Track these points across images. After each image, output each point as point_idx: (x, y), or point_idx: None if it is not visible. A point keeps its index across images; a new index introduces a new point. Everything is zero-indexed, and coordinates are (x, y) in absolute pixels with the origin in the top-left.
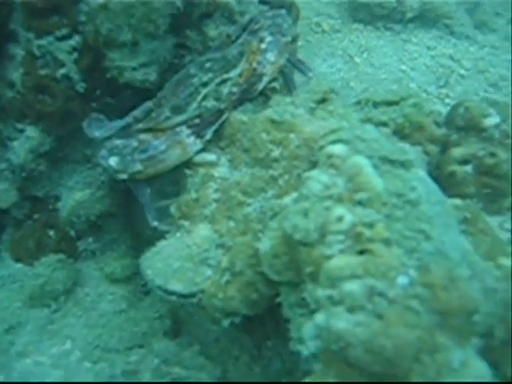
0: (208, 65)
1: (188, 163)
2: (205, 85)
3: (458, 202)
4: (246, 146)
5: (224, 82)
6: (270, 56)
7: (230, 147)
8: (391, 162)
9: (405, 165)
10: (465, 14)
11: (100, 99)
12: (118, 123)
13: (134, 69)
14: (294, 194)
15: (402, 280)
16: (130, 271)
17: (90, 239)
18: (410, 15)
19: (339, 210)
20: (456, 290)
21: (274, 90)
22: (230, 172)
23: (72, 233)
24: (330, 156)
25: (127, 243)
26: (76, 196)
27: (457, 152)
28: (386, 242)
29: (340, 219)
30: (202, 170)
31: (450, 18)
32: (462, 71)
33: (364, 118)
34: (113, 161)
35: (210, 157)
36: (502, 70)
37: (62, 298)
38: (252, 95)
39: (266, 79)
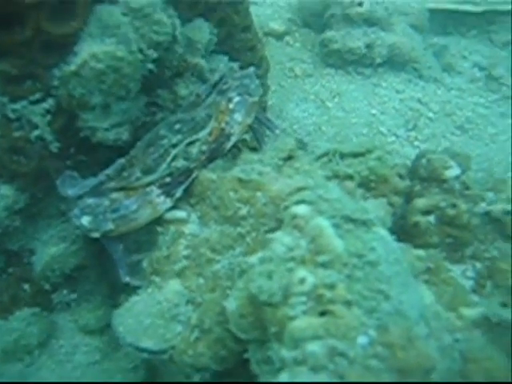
0: (177, 126)
1: (159, 220)
2: (174, 146)
3: (420, 252)
4: (215, 203)
5: (193, 142)
6: (238, 116)
7: (200, 204)
8: (353, 220)
9: (366, 223)
10: (432, 58)
11: (74, 157)
12: (91, 181)
13: (106, 129)
14: (260, 253)
15: (361, 340)
16: (105, 322)
17: (65, 291)
18: (379, 61)
19: (301, 272)
20: (414, 348)
21: (244, 141)
22: (199, 229)
23: (47, 286)
24: (293, 217)
25: (103, 293)
26: (50, 251)
27: (420, 203)
28: (347, 303)
29: (302, 281)
30: (172, 228)
31: (417, 61)
32: (430, 114)
33: (330, 174)
34: (85, 220)
35: (180, 214)
36: (467, 112)
37: (36, 351)
38: (221, 154)
39: (233, 139)
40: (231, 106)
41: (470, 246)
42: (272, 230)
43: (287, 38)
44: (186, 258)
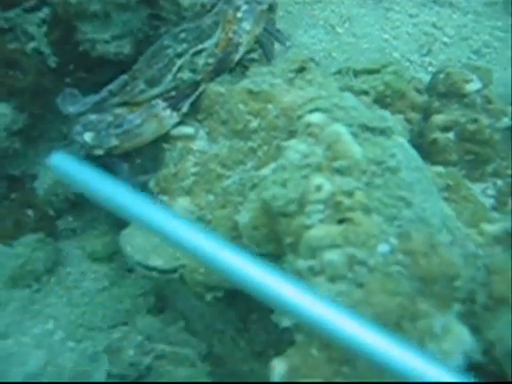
0: (182, 35)
1: (165, 137)
2: (179, 56)
3: (440, 169)
4: (223, 117)
5: (199, 52)
6: (246, 25)
7: (207, 120)
8: (371, 129)
9: (384, 132)
10: None
11: (73, 74)
12: (93, 98)
13: (106, 41)
14: (273, 165)
15: (382, 248)
16: (112, 249)
17: (70, 218)
18: None
19: (318, 179)
20: (437, 256)
21: (252, 60)
22: (208, 145)
23: (51, 212)
24: (308, 125)
25: (109, 221)
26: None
27: (438, 119)
28: (366, 210)
29: (319, 188)
30: (179, 144)
31: None
32: (445, 39)
33: (344, 87)
34: (88, 136)
35: (187, 130)
36: (484, 36)
37: (43, 277)
38: (229, 66)
39: (242, 49)
40: (239, 14)
41: (491, 162)
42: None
43: None
44: (195, 174)
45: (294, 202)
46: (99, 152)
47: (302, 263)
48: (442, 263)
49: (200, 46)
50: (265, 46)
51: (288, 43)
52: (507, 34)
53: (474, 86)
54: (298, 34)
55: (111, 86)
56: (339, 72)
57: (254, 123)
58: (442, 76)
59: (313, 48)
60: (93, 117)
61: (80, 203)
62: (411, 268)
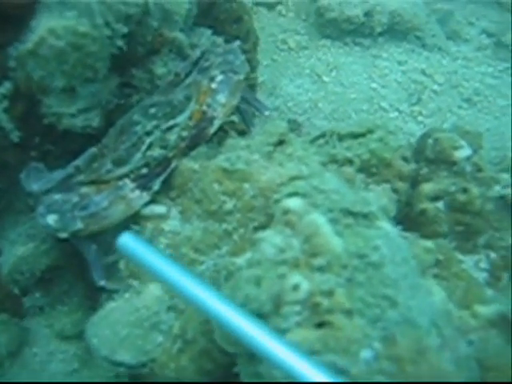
0: (152, 111)
1: (135, 217)
2: (148, 134)
3: (429, 244)
4: (197, 196)
5: (170, 128)
6: (221, 97)
7: (180, 198)
8: (353, 214)
9: (367, 217)
10: (436, 25)
11: (39, 147)
12: (58, 174)
13: (72, 115)
14: (249, 253)
15: (365, 354)
16: (83, 326)
17: (37, 294)
18: (379, 30)
19: (295, 278)
20: (425, 362)
21: (232, 123)
22: (181, 225)
23: (16, 290)
24: (285, 212)
25: (80, 293)
26: (18, 251)
27: (427, 188)
28: (347, 312)
29: (296, 287)
30: (150, 225)
31: (420, 30)
32: (435, 86)
33: (327, 158)
34: (51, 219)
35: (159, 209)
36: (475, 83)
37: (6, 362)
38: (203, 140)
39: (217, 122)
40: (214, 85)
41: (483, 234)
42: (262, 226)
43: (279, 8)
44: None
45: (269, 302)
46: (63, 235)
47: (279, 372)
48: (431, 370)
49: (171, 122)
50: (244, 113)
51: (267, 112)
52: (498, 80)
53: (463, 152)
54: (284, 83)
55: (78, 162)
56: (323, 136)
57: (230, 204)
58: (430, 141)
59: (299, 99)
60: (57, 197)
61: (48, 278)
62: (397, 376)
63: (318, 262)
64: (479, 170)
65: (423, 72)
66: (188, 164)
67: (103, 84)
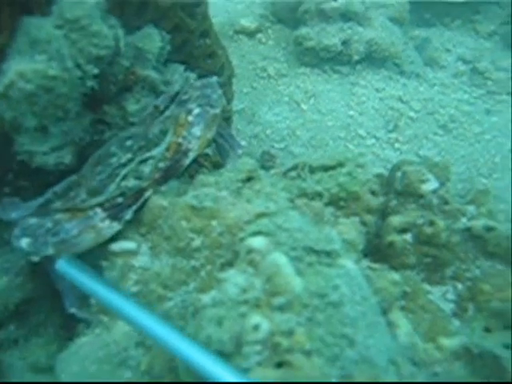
0: (128, 143)
1: (105, 253)
2: (124, 165)
3: (395, 276)
4: (166, 233)
5: (145, 160)
6: (197, 130)
7: (150, 234)
8: (316, 252)
9: (330, 255)
10: (414, 52)
11: (13, 183)
12: (37, 201)
13: (45, 153)
14: (214, 292)
15: None
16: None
17: (12, 327)
18: (356, 58)
19: (255, 318)
20: None
21: (206, 156)
22: (151, 261)
23: None
24: (249, 251)
25: (56, 324)
26: None
27: (395, 220)
28: (306, 352)
29: (256, 328)
30: (120, 261)
31: (398, 57)
32: (412, 113)
33: (296, 192)
34: (24, 242)
35: (129, 245)
36: (451, 110)
37: None
38: (177, 171)
39: (192, 155)
40: (190, 118)
41: (450, 265)
42: (228, 263)
43: (259, 36)
44: (136, 295)
45: (231, 342)
46: (35, 259)
47: None
48: None
49: (146, 155)
50: (219, 146)
51: (240, 151)
52: (473, 107)
53: (430, 185)
54: (263, 111)
55: (56, 188)
56: (295, 168)
57: (197, 241)
58: (399, 174)
59: (277, 126)
60: (33, 221)
61: (23, 310)
62: None
63: (279, 301)
64: (446, 202)
65: (400, 99)
66: (157, 201)
67: (75, 122)
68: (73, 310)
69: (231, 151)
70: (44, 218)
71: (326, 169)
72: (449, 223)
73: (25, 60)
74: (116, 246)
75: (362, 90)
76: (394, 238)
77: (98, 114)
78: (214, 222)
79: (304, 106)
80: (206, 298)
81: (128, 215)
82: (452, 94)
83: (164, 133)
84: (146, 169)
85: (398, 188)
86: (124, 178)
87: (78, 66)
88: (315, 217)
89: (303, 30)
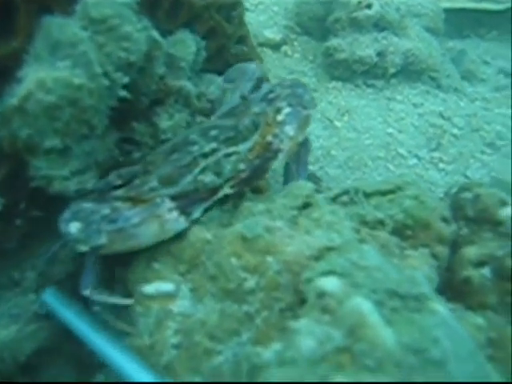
0: (213, 133)
1: (138, 297)
2: (205, 156)
3: (479, 321)
4: (211, 272)
5: (229, 155)
6: (290, 129)
7: (191, 273)
8: (400, 296)
9: (418, 299)
10: (450, 64)
11: (25, 214)
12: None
13: (65, 178)
14: (278, 344)
15: None
16: None
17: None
18: (392, 71)
19: (339, 381)
20: None
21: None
22: (193, 306)
23: None
24: (321, 295)
25: (71, 379)
26: None
27: (470, 252)
28: None
29: None
30: (155, 306)
31: (435, 70)
32: (455, 130)
33: (356, 220)
34: (74, 227)
35: (166, 287)
36: (497, 126)
37: None
38: (264, 174)
39: (281, 157)
40: (280, 117)
41: None
42: (290, 308)
43: (285, 48)
44: (176, 347)
45: None
46: (83, 248)
47: None
48: None
49: (232, 149)
50: (289, 171)
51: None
52: None
53: (509, 210)
54: None
55: (122, 171)
56: (346, 192)
57: (251, 282)
58: (468, 196)
59: None
60: (87, 205)
61: (35, 364)
62: None
63: (367, 359)
64: None
65: (441, 115)
66: (200, 233)
67: (100, 141)
68: (86, 292)
69: (295, 179)
70: (100, 204)
71: (383, 194)
72: None
73: (45, 67)
74: (150, 288)
75: (400, 106)
76: (470, 272)
77: (126, 131)
78: (269, 258)
79: (338, 124)
80: (267, 354)
81: (197, 213)
82: (495, 108)
83: (256, 126)
84: (228, 166)
85: (469, 214)
86: (203, 170)
87: (106, 74)
88: (382, 249)
89: (334, 41)
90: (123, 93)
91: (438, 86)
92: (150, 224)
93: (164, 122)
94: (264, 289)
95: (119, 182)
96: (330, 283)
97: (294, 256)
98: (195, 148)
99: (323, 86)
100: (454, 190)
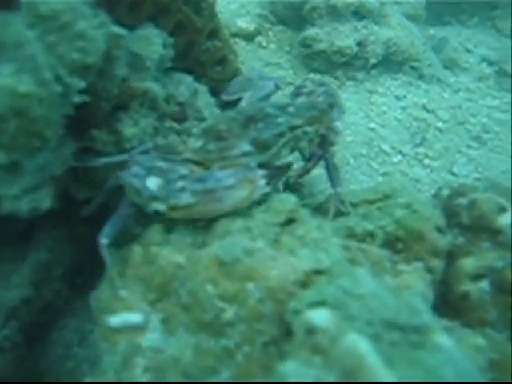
0: (291, 109)
1: (102, 331)
2: (292, 129)
3: (480, 341)
4: (185, 301)
5: (306, 134)
6: (339, 125)
7: (162, 302)
8: (400, 328)
9: (420, 331)
10: (432, 53)
11: None
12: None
13: (15, 197)
14: None
15: None
16: None
17: None
18: (373, 61)
19: None
20: None
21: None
22: (164, 339)
23: None
24: (310, 331)
25: None
26: None
27: (468, 264)
28: None
29: None
30: (123, 341)
31: (417, 59)
32: (440, 124)
33: (343, 231)
34: (153, 183)
35: (134, 318)
36: (482, 118)
37: None
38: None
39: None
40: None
41: None
42: (274, 342)
43: (259, 39)
44: None
45: None
46: (160, 207)
47: None
48: None
49: (310, 128)
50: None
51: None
52: (506, 114)
53: (508, 217)
54: None
55: (159, 141)
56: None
57: (229, 312)
58: (462, 201)
59: None
60: (160, 163)
61: None
62: None
63: None
64: None
65: (425, 107)
66: (170, 256)
67: (55, 153)
68: (104, 241)
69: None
70: (173, 164)
71: (371, 202)
72: None
73: None
74: (116, 320)
75: (382, 99)
76: (468, 287)
77: (85, 140)
78: (250, 285)
79: None
80: None
81: (278, 183)
82: (480, 100)
83: (331, 106)
84: (302, 144)
85: (464, 221)
86: (284, 145)
87: (59, 78)
88: (374, 267)
89: (311, 31)
90: (80, 99)
91: (421, 77)
92: (243, 188)
93: (128, 129)
94: (244, 320)
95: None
96: (320, 316)
97: (277, 282)
98: (281, 120)
99: (301, 79)
100: (445, 191)
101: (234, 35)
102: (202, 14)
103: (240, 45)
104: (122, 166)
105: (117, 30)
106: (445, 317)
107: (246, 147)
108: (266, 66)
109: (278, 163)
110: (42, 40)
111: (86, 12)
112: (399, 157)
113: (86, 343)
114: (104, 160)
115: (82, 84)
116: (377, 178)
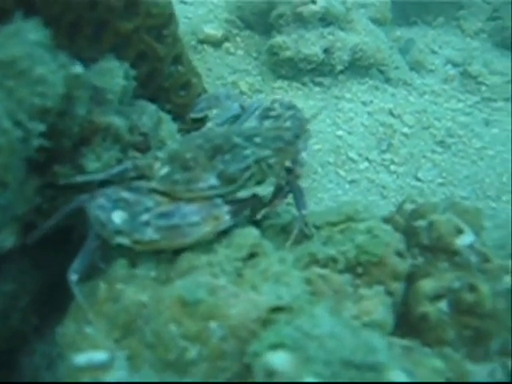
0: (258, 140)
1: (68, 368)
2: (258, 162)
3: (437, 363)
4: (149, 340)
5: (271, 167)
6: (304, 156)
7: (128, 338)
8: (356, 367)
9: (375, 369)
10: (399, 56)
11: None
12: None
13: None
14: None
15: None
16: None
17: None
18: (340, 68)
19: None
20: None
21: None
22: (129, 376)
23: None
24: (270, 374)
25: None
26: None
27: (427, 286)
28: None
29: None
30: (87, 379)
31: (383, 64)
32: (405, 129)
33: (306, 260)
34: (118, 216)
35: (99, 356)
36: (447, 122)
37: None
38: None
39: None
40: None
41: (496, 338)
42: (237, 378)
43: (227, 45)
44: None
45: None
46: (124, 241)
47: None
48: None
49: (277, 159)
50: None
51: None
52: (470, 118)
53: (465, 238)
54: None
55: (138, 162)
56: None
57: (192, 351)
58: (422, 223)
59: None
60: (126, 194)
61: None
62: None
63: None
64: (486, 259)
65: (391, 112)
66: (134, 295)
67: (17, 193)
68: (74, 277)
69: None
70: (139, 195)
71: (334, 225)
72: (492, 285)
73: None
74: (82, 359)
75: (349, 105)
76: (427, 308)
77: (48, 176)
78: (212, 324)
79: None
80: None
81: (242, 216)
82: (445, 103)
83: (297, 137)
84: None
85: (424, 242)
86: (250, 177)
87: (19, 123)
88: (336, 296)
89: (278, 39)
90: (40, 141)
91: (387, 80)
92: (207, 224)
93: (91, 164)
94: (207, 358)
95: (134, 174)
96: (278, 359)
97: (239, 320)
98: (248, 152)
99: (269, 86)
100: (408, 206)
101: (202, 42)
102: (164, 41)
103: (208, 51)
104: (84, 191)
105: (76, 69)
106: (405, 336)
107: (213, 181)
108: (234, 72)
109: (243, 195)
110: (2, 85)
111: (43, 57)
112: (366, 164)
113: (54, 367)
114: (80, 178)
115: (42, 127)
116: (344, 186)
